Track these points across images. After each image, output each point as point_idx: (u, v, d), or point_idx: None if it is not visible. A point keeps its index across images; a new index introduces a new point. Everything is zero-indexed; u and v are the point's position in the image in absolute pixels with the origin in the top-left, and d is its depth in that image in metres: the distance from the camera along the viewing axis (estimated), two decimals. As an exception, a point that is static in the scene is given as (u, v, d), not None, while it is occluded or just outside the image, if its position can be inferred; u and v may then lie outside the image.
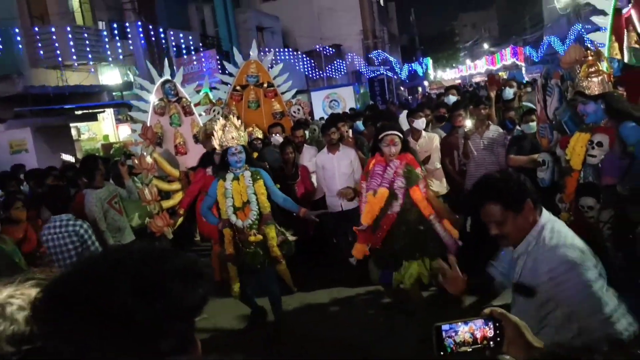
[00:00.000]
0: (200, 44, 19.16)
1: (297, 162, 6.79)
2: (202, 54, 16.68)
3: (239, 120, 5.35)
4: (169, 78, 7.84)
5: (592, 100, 3.78)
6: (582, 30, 21.02)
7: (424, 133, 6.35)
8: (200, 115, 7.93)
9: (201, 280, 0.89)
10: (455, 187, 6.47)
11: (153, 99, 7.80)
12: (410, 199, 4.55)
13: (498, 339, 1.41)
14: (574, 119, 4.26)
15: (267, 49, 15.26)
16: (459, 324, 1.42)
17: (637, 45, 5.00)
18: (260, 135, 7.77)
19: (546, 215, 2.21)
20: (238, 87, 8.49)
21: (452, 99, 8.33)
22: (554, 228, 2.16)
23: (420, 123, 6.27)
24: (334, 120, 7.04)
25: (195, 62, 16.10)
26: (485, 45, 59.24)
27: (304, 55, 21.79)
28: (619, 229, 3.68)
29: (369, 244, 4.79)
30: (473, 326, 1.42)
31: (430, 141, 6.28)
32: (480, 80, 32.75)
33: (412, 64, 40.51)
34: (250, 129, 7.84)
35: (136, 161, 6.19)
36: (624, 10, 5.20)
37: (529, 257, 2.17)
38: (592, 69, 3.89)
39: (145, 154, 6.28)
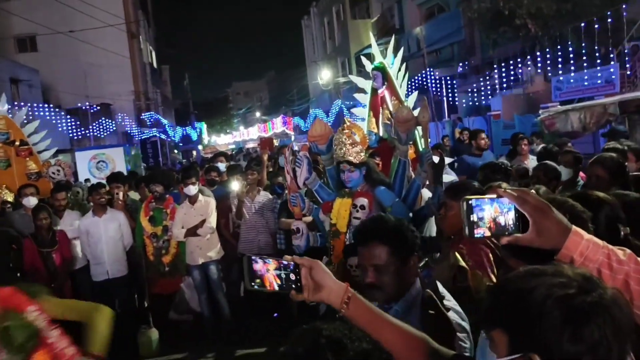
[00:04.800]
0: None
1: (53, 227, 6.09)
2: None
3: None
4: None
5: (357, 168, 4.15)
6: (342, 105, 23.47)
7: (200, 197, 6.25)
8: None
9: None
10: (229, 251, 6.47)
11: None
12: None
13: (298, 284, 1.43)
14: (324, 187, 4.60)
15: (22, 104, 13.72)
16: (266, 261, 1.42)
17: (388, 122, 5.64)
18: (10, 198, 6.88)
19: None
20: (-18, 144, 7.43)
21: (221, 165, 8.45)
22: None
23: (192, 189, 6.15)
24: (108, 179, 6.79)
25: None
26: (258, 113, 62.27)
27: (66, 113, 20.19)
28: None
29: None
30: (277, 264, 1.43)
31: (207, 205, 6.19)
32: (253, 146, 34.07)
33: (186, 128, 40.51)
34: (-2, 190, 6.87)
35: None
36: (379, 90, 5.87)
37: (413, 317, 1.94)
38: (350, 141, 4.27)
39: None
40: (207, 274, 6.23)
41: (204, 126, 48.63)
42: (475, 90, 18.19)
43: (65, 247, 6.00)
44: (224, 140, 52.94)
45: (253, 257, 1.42)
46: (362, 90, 6.02)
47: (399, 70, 5.78)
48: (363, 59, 6.47)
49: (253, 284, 1.41)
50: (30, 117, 8.78)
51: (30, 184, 7.04)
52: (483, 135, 7.34)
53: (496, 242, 2.78)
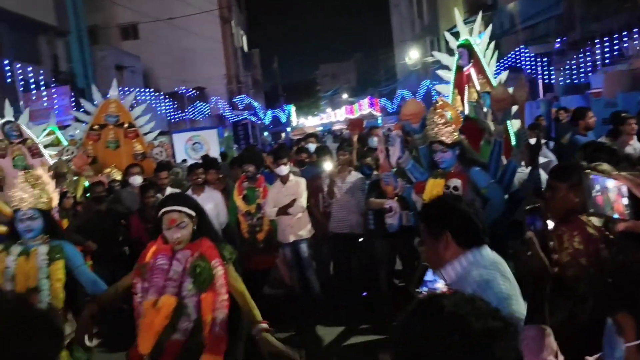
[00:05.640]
0: (53, 80, 17.93)
1: (159, 204, 6.51)
2: (53, 90, 15.56)
3: (49, 175, 4.43)
4: (11, 119, 7.22)
5: (450, 148, 4.10)
6: (430, 85, 22.98)
7: (291, 176, 6.42)
8: (51, 156, 7.36)
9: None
10: (319, 230, 6.61)
11: (-10, 140, 7.13)
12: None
13: None
14: (417, 166, 4.57)
15: (126, 89, 14.62)
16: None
17: (474, 101, 5.52)
18: (119, 177, 7.40)
19: (476, 257, 2.17)
20: (96, 126, 8.04)
21: (311, 146, 8.58)
22: (479, 265, 2.13)
23: (284, 169, 6.33)
24: (205, 162, 7.06)
25: (45, 98, 14.95)
26: (345, 95, 62.37)
27: (165, 97, 21.29)
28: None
29: None
30: None
31: (297, 185, 6.35)
32: (340, 128, 34.22)
33: (275, 110, 41.38)
34: (109, 170, 7.44)
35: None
36: (465, 68, 5.74)
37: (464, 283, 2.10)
38: (442, 120, 4.21)
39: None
40: (297, 252, 6.41)
41: (293, 108, 49.41)
42: (573, 67, 17.20)
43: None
44: (311, 123, 53.52)
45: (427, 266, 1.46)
46: (447, 68, 5.91)
47: (487, 47, 5.61)
48: (447, 35, 6.32)
49: (420, 290, 1.45)
50: (134, 103, 9.33)
51: (136, 163, 7.52)
52: (591, 113, 6.93)
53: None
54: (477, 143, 4.78)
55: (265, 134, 40.26)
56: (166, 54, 29.17)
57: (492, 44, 5.72)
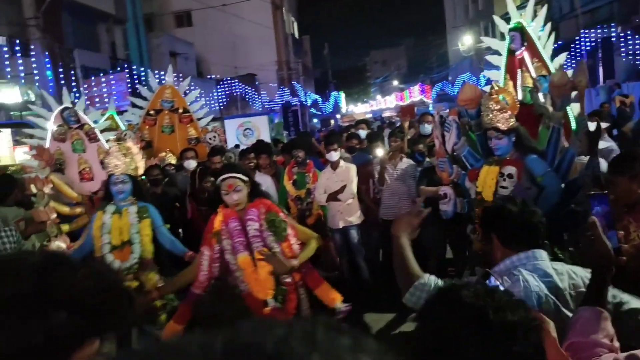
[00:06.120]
0: (110, 66, 18.54)
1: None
2: (112, 76, 16.08)
3: (138, 147, 4.86)
4: (69, 105, 7.49)
5: (506, 135, 4.01)
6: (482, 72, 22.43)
7: (341, 163, 6.42)
8: (108, 141, 7.59)
9: None
10: (369, 216, 6.61)
11: (51, 125, 7.40)
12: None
13: None
14: (473, 153, 4.48)
15: (180, 75, 14.94)
16: None
17: (533, 85, 5.34)
18: (173, 161, 7.59)
19: (520, 259, 2.19)
20: (152, 112, 8.25)
21: (362, 133, 8.55)
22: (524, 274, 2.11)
23: (334, 155, 6.34)
24: (257, 147, 7.17)
25: (104, 84, 15.47)
26: (395, 82, 61.66)
27: (217, 83, 21.69)
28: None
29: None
30: None
31: (348, 171, 6.35)
32: (390, 115, 33.93)
33: (333, 93, 41.43)
34: (164, 154, 7.63)
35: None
36: (517, 52, 5.56)
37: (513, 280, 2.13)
38: (497, 106, 4.11)
39: (40, 176, 5.93)
40: (347, 237, 6.43)
41: (342, 95, 49.26)
42: (637, 52, 16.43)
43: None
44: (361, 110, 53.23)
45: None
46: (497, 53, 5.74)
47: (542, 29, 5.41)
48: (496, 19, 6.14)
49: None
50: (187, 89, 9.52)
51: (190, 148, 7.70)
52: None
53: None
54: (533, 129, 4.65)
55: (315, 120, 40.29)
56: (218, 40, 29.57)
57: (548, 25, 5.51)
